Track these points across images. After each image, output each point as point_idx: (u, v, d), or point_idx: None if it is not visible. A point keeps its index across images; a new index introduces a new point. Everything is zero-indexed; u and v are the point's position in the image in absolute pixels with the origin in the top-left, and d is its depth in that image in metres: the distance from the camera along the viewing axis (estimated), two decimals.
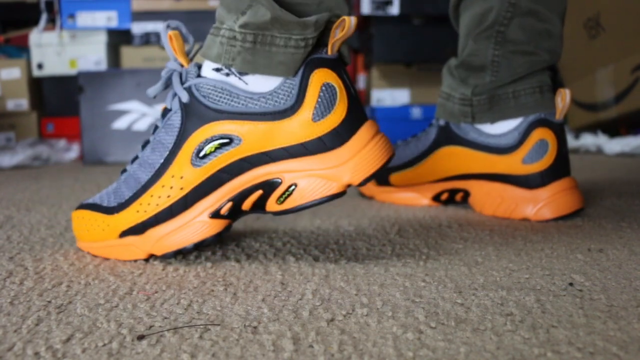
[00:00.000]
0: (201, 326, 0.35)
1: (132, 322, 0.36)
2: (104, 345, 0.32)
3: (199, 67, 0.49)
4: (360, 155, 0.46)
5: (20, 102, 1.87)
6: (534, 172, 0.64)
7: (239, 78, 0.47)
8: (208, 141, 0.47)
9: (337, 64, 0.46)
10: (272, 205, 0.47)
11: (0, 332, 0.35)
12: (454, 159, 0.69)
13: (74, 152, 1.75)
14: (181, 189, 0.47)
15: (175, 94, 0.48)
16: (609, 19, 1.48)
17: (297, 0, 0.46)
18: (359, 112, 0.47)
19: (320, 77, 0.46)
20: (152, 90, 0.50)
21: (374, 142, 0.46)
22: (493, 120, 0.67)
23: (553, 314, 0.36)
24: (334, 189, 0.46)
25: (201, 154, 0.47)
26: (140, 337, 0.33)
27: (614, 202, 0.74)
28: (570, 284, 0.42)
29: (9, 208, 0.79)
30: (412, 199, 0.74)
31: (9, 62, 1.89)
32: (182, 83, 0.48)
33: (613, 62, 1.48)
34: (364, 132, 0.46)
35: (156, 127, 0.50)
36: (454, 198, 0.71)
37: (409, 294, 0.40)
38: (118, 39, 1.86)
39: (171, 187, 0.48)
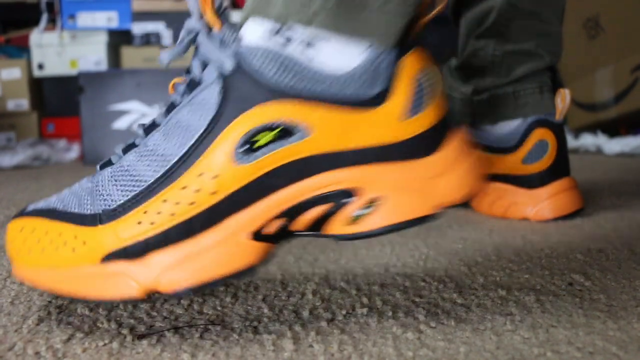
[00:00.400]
0: (201, 326, 0.35)
1: (133, 322, 0.36)
2: (105, 345, 0.33)
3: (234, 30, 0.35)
4: (457, 168, 0.35)
5: (20, 102, 1.88)
6: (534, 172, 0.64)
7: (306, 47, 0.33)
8: (261, 129, 0.33)
9: (424, 50, 0.35)
10: (338, 225, 0.34)
11: (0, 331, 0.35)
12: None
13: (74, 152, 1.75)
14: (213, 193, 0.33)
15: (204, 63, 0.35)
16: (608, 20, 1.48)
17: None
18: (449, 111, 0.36)
19: (417, 60, 0.34)
20: (169, 55, 0.36)
21: (474, 155, 0.36)
22: (493, 121, 0.67)
23: (553, 313, 0.36)
24: (427, 208, 0.35)
25: (249, 147, 0.33)
26: (141, 337, 0.33)
27: (613, 201, 0.74)
28: (570, 284, 0.42)
29: (10, 208, 0.79)
30: None
31: (9, 62, 1.89)
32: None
33: (613, 63, 1.48)
34: (461, 137, 0.36)
35: (171, 106, 0.36)
36: None
37: (409, 293, 0.40)
38: (118, 39, 1.86)
39: (197, 190, 0.33)
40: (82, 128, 1.60)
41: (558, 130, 0.65)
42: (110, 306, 0.39)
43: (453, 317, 0.36)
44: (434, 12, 0.35)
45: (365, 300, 0.39)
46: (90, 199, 0.34)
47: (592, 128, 1.59)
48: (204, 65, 0.35)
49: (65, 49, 1.84)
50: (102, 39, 1.84)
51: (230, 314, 0.37)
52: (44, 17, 1.86)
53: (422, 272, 0.45)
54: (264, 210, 0.34)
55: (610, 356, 0.30)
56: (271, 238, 0.34)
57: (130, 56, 1.81)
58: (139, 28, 1.80)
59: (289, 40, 0.33)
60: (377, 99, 0.33)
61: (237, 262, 0.33)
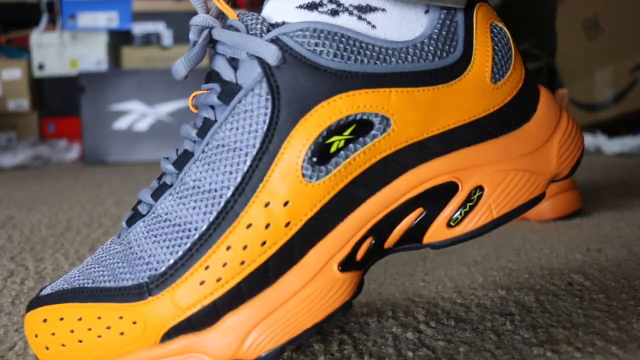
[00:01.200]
0: None
1: None
2: None
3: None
4: (561, 130, 0.30)
5: (21, 103, 1.88)
6: None
7: (360, 17, 0.27)
8: (333, 130, 0.26)
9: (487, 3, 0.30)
10: (438, 232, 0.28)
11: (1, 331, 0.35)
12: None
13: (74, 152, 1.75)
14: (287, 225, 0.26)
15: (232, 61, 0.27)
16: (607, 20, 1.48)
17: None
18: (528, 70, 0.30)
19: (486, 14, 0.29)
20: (184, 64, 0.28)
21: (566, 111, 0.31)
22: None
23: (552, 313, 0.36)
24: (540, 186, 0.29)
25: (320, 157, 0.26)
26: None
27: (612, 201, 0.74)
28: (570, 284, 0.42)
29: (10, 208, 0.79)
30: None
31: (10, 63, 1.89)
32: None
33: (612, 63, 1.48)
34: (549, 97, 0.30)
35: (205, 125, 0.27)
36: None
37: (408, 293, 0.40)
38: (119, 39, 1.87)
39: (267, 226, 0.26)
40: (82, 128, 1.60)
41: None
42: None
43: (453, 316, 0.36)
44: None
45: (364, 299, 0.39)
46: (127, 266, 0.27)
47: (592, 128, 1.59)
48: (233, 65, 0.27)
49: (65, 49, 1.85)
50: (103, 39, 1.84)
51: None
52: (45, 18, 1.87)
53: (422, 272, 0.45)
54: (351, 232, 0.27)
55: (609, 356, 0.30)
56: (360, 264, 0.28)
57: (131, 56, 1.81)
58: (139, 28, 1.80)
59: (335, 11, 0.27)
60: (458, 67, 0.27)
61: (330, 302, 0.27)
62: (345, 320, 0.36)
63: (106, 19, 1.82)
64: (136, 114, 1.60)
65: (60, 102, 1.88)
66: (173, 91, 1.58)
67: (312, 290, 0.26)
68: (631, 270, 0.45)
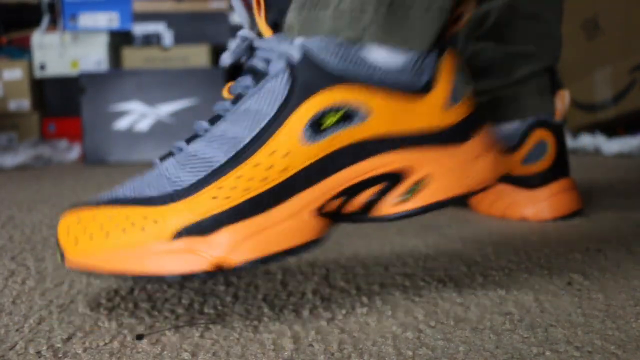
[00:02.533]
0: (202, 325, 0.35)
1: (133, 321, 0.36)
2: (105, 344, 0.33)
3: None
4: (487, 155, 0.40)
5: (22, 103, 1.88)
6: (534, 172, 0.64)
7: (359, 49, 0.37)
8: (328, 111, 0.36)
9: (457, 51, 0.40)
10: (388, 205, 0.38)
11: (2, 331, 0.35)
12: None
13: (75, 152, 1.75)
14: (283, 170, 0.35)
15: (267, 60, 0.38)
16: (607, 20, 1.48)
17: None
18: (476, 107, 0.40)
19: (452, 60, 0.38)
20: (229, 57, 0.39)
21: (497, 146, 0.41)
22: (493, 122, 0.67)
23: (552, 313, 0.36)
24: (469, 185, 0.39)
25: (316, 128, 0.36)
26: (141, 336, 0.34)
27: (612, 201, 0.74)
28: (569, 283, 0.42)
29: (11, 208, 0.79)
30: None
31: (11, 63, 1.90)
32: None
33: (611, 63, 1.48)
34: (487, 129, 0.41)
35: (237, 98, 0.38)
36: None
37: (408, 293, 0.40)
38: (119, 39, 1.87)
39: (270, 167, 0.35)
40: (83, 128, 1.60)
41: (558, 131, 0.65)
42: (112, 305, 0.39)
43: (452, 316, 0.36)
44: (464, 20, 0.39)
45: (365, 299, 0.39)
46: (156, 184, 0.36)
47: (591, 128, 1.59)
48: (267, 62, 0.38)
49: (66, 50, 1.85)
50: (103, 40, 1.84)
51: (230, 313, 0.37)
52: (46, 18, 1.87)
53: (422, 272, 0.45)
54: (327, 189, 0.36)
55: (608, 355, 0.30)
56: (329, 216, 0.37)
57: (131, 57, 1.81)
58: (139, 29, 1.80)
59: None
60: (425, 88, 0.37)
61: (302, 236, 0.36)
62: (345, 320, 0.36)
63: (107, 19, 1.82)
64: (137, 114, 1.60)
65: (61, 102, 1.88)
66: (174, 91, 1.58)
67: (290, 224, 0.35)
68: (630, 270, 0.45)
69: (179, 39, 1.76)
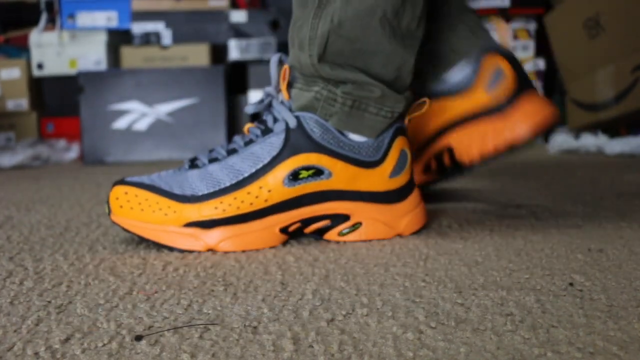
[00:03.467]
0: (201, 326, 0.35)
1: (132, 322, 0.36)
2: (104, 345, 0.32)
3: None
4: (413, 212, 0.57)
5: (20, 102, 1.88)
6: (502, 97, 0.64)
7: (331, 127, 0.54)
8: (304, 168, 0.53)
9: (407, 134, 0.57)
10: (333, 235, 0.55)
11: (0, 332, 0.34)
12: (425, 118, 0.68)
13: (73, 152, 1.75)
14: (265, 200, 0.52)
15: (275, 119, 0.54)
16: (608, 19, 1.48)
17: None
18: (413, 177, 0.58)
19: (401, 143, 0.56)
20: (252, 108, 0.56)
21: (422, 205, 0.58)
22: (441, 74, 0.67)
23: (553, 314, 0.36)
24: (389, 234, 0.56)
25: (294, 177, 0.53)
26: (139, 338, 0.33)
27: (614, 202, 0.73)
28: (571, 284, 0.42)
29: (9, 208, 0.79)
30: None
31: (9, 62, 1.89)
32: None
33: (613, 62, 1.48)
34: (416, 194, 0.58)
35: (249, 142, 0.55)
36: (443, 163, 0.69)
37: (409, 294, 0.40)
38: (118, 39, 1.86)
39: (257, 197, 0.52)
40: (81, 128, 1.60)
41: (507, 54, 0.65)
42: (110, 306, 0.39)
43: (453, 317, 0.36)
44: (417, 113, 0.58)
45: (365, 300, 0.39)
46: (180, 187, 0.53)
47: (593, 128, 1.58)
48: (275, 120, 0.54)
49: (64, 49, 1.84)
50: (102, 39, 1.84)
51: (229, 314, 0.37)
52: (44, 17, 1.86)
53: (422, 272, 0.45)
54: (292, 217, 0.54)
55: (611, 356, 0.30)
56: (289, 233, 0.55)
57: (130, 56, 1.81)
58: (138, 28, 1.80)
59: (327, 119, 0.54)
60: (376, 163, 0.55)
61: (268, 243, 0.53)
62: (345, 321, 0.35)
63: (105, 18, 1.81)
64: (135, 114, 1.59)
65: (59, 101, 1.88)
66: (172, 91, 1.58)
67: (261, 235, 0.53)
68: (632, 271, 0.45)
69: (178, 38, 1.76)
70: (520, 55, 1.93)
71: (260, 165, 0.52)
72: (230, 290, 0.41)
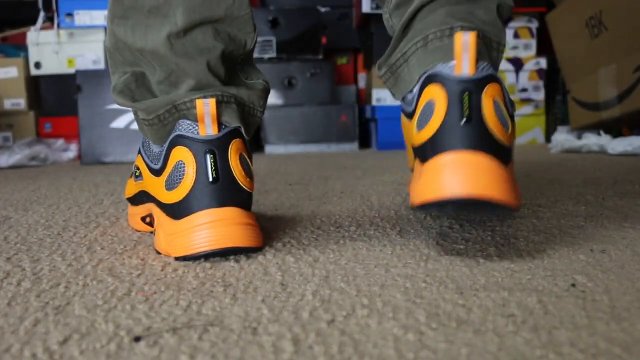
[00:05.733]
0: (200, 327, 0.35)
1: (131, 323, 0.35)
2: (102, 346, 0.32)
3: None
4: (190, 231, 0.49)
5: (17, 101, 1.87)
6: (423, 141, 0.48)
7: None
8: (136, 167, 0.60)
9: (197, 145, 0.50)
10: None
11: None
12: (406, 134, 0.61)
13: (71, 151, 1.74)
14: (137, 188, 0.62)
15: None
16: (611, 18, 1.47)
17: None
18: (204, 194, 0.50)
19: (178, 154, 0.51)
20: None
21: (205, 226, 0.49)
22: (400, 94, 0.57)
23: (555, 315, 0.36)
24: (168, 252, 0.51)
25: (138, 174, 0.60)
26: (137, 339, 0.33)
27: (616, 202, 0.73)
28: (573, 285, 0.41)
29: (6, 208, 0.78)
30: None
31: (6, 61, 1.89)
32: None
33: (615, 61, 1.47)
34: (201, 215, 0.49)
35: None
36: None
37: (409, 294, 0.40)
38: None
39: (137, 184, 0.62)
40: (79, 127, 1.59)
41: (451, 84, 0.46)
42: (108, 307, 0.38)
43: (454, 318, 0.36)
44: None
45: (365, 301, 0.39)
46: None
47: (595, 127, 1.58)
48: None
49: (62, 48, 1.84)
50: (100, 37, 1.83)
51: (229, 315, 0.37)
52: (41, 16, 1.86)
53: (423, 273, 0.45)
54: (144, 210, 0.60)
55: (613, 358, 0.30)
56: (149, 224, 0.60)
57: None
58: None
59: None
60: (159, 172, 0.54)
61: (138, 228, 0.63)
62: (346, 322, 0.35)
63: (103, 17, 1.81)
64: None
65: (57, 101, 1.87)
66: None
67: (130, 219, 0.65)
68: (635, 272, 0.44)
69: None
70: (522, 54, 1.93)
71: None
72: (229, 291, 0.41)
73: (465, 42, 0.46)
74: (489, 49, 0.53)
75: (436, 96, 0.47)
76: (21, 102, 1.86)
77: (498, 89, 0.47)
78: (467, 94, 0.45)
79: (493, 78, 0.47)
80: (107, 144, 1.58)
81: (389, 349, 0.31)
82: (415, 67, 0.51)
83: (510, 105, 0.49)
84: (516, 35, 1.92)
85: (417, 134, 0.48)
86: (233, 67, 0.57)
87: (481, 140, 0.45)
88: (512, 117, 0.49)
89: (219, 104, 0.52)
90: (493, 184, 0.43)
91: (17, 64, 1.86)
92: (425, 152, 0.47)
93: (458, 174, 0.43)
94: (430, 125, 0.46)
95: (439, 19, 0.52)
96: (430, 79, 0.48)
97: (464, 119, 0.45)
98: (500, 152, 0.46)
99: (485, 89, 0.46)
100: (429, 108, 0.47)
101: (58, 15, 1.82)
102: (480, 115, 0.45)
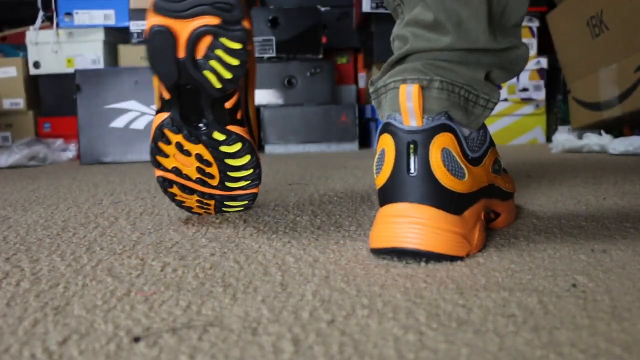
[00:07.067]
0: (200, 327, 0.35)
1: (130, 323, 0.35)
2: (101, 347, 0.32)
3: None
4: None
5: (16, 101, 1.87)
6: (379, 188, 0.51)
7: None
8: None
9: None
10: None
11: None
12: None
13: (71, 151, 1.74)
14: None
15: None
16: (612, 17, 1.47)
17: None
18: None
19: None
20: None
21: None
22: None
23: (556, 315, 0.36)
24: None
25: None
26: (137, 339, 0.33)
27: (617, 202, 0.73)
28: (573, 285, 0.41)
29: (6, 208, 0.78)
30: None
31: (5, 61, 1.88)
32: None
33: (617, 61, 1.47)
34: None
35: None
36: None
37: (409, 295, 0.40)
38: (115, 37, 1.86)
39: None
40: (78, 127, 1.59)
41: (398, 133, 0.48)
42: (108, 308, 0.38)
43: (454, 318, 0.35)
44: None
45: (365, 301, 0.39)
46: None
47: (596, 127, 1.58)
48: None
49: (61, 47, 1.84)
50: (99, 37, 1.83)
51: (229, 315, 0.37)
52: (40, 15, 1.85)
53: (423, 273, 0.45)
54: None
55: (614, 358, 0.30)
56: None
57: (128, 54, 1.80)
58: (136, 26, 1.79)
59: None
60: None
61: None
62: (346, 322, 0.35)
63: (103, 16, 1.81)
64: (133, 113, 1.59)
65: (56, 100, 1.87)
66: None
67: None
68: (636, 272, 0.44)
69: None
70: None
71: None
72: (229, 292, 0.41)
73: (408, 93, 0.47)
74: (467, 103, 0.52)
75: (386, 146, 0.49)
76: (20, 102, 1.86)
77: (450, 138, 0.48)
78: (412, 146, 0.48)
79: (444, 127, 0.48)
80: (107, 143, 1.58)
81: (389, 349, 0.31)
82: (385, 106, 0.53)
83: (470, 151, 0.50)
84: None
85: (376, 179, 0.51)
86: None
87: (427, 191, 0.47)
88: (475, 161, 0.51)
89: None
90: (434, 238, 0.47)
91: (16, 64, 1.86)
92: (380, 197, 0.50)
93: (402, 228, 0.47)
94: (382, 174, 0.49)
95: (417, 67, 0.51)
96: (384, 128, 0.50)
97: (410, 171, 0.48)
98: (450, 201, 0.48)
99: (433, 140, 0.48)
100: (382, 156, 0.50)
101: (57, 14, 1.82)
102: (426, 166, 0.47)
